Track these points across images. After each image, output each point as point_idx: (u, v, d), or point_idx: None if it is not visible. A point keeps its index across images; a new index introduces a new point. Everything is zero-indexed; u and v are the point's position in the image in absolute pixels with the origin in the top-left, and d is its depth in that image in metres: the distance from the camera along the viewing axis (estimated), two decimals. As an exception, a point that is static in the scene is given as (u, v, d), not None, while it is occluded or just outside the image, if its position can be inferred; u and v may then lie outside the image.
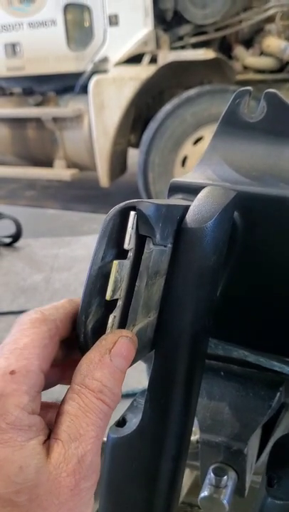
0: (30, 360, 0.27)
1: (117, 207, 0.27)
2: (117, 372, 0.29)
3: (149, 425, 0.32)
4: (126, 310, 0.29)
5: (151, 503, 0.33)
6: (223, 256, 0.33)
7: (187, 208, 0.31)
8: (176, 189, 0.38)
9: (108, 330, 0.29)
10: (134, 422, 0.35)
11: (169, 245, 0.30)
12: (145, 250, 0.28)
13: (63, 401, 0.29)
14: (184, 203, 0.32)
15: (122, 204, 0.28)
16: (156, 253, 0.29)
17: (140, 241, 0.28)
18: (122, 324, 0.29)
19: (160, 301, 0.31)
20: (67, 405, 0.28)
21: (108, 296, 0.28)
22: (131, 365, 0.30)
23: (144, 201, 0.28)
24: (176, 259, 0.30)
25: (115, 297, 0.28)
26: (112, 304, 0.29)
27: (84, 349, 0.29)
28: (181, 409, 0.32)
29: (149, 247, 0.28)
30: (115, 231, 0.28)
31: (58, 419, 0.28)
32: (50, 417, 0.31)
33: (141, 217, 0.27)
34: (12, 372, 0.26)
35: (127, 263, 0.28)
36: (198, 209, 0.31)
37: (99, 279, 0.28)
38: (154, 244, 0.28)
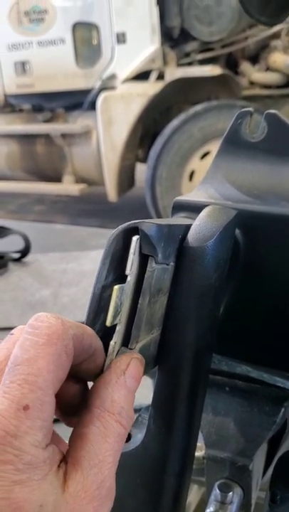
0: (45, 389, 0.25)
1: (120, 227, 0.28)
2: (131, 394, 0.29)
3: (153, 441, 0.33)
4: (129, 327, 0.29)
5: (156, 519, 0.33)
6: (225, 274, 0.34)
7: (189, 226, 0.32)
8: (179, 207, 0.38)
9: (109, 357, 0.29)
10: (138, 437, 0.35)
11: (172, 264, 0.31)
12: (148, 269, 0.29)
13: (81, 424, 0.28)
14: (186, 221, 0.33)
15: (124, 225, 0.28)
16: (159, 271, 0.30)
17: (143, 260, 0.29)
18: (125, 342, 0.30)
19: (163, 319, 0.32)
20: (86, 429, 0.27)
21: (109, 322, 0.28)
22: None
23: (147, 221, 0.28)
24: (178, 277, 0.31)
25: (115, 322, 0.28)
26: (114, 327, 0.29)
27: None
28: (185, 425, 0.32)
29: (152, 265, 0.29)
30: (118, 250, 0.28)
31: (76, 443, 0.27)
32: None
33: (143, 237, 0.28)
34: (26, 408, 0.25)
35: (127, 287, 0.29)
36: (200, 228, 0.32)
37: (103, 297, 0.28)
38: (156, 263, 0.29)
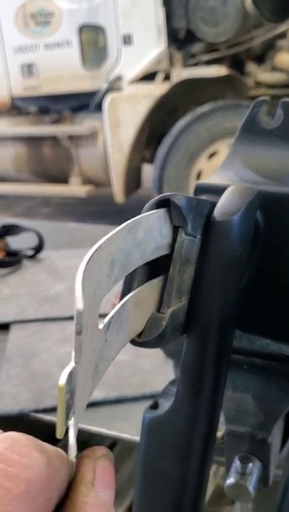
0: None
1: (152, 200, 0.31)
2: (110, 510, 0.20)
3: (182, 405, 0.35)
4: (161, 294, 0.32)
5: (184, 479, 0.35)
6: (248, 249, 0.36)
7: (214, 204, 0.34)
8: (201, 190, 0.40)
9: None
10: (166, 405, 0.37)
11: (198, 237, 0.33)
12: (178, 239, 0.31)
13: None
14: (211, 200, 0.35)
15: (157, 197, 0.31)
16: (188, 242, 0.32)
17: (173, 231, 0.31)
18: (158, 306, 0.32)
19: (190, 288, 0.34)
20: None
21: (59, 433, 0.20)
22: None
23: (178, 194, 0.31)
24: (205, 249, 0.33)
25: (69, 422, 0.20)
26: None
27: None
28: (212, 388, 0.34)
29: (182, 236, 0.31)
30: None
31: None
32: None
33: (174, 208, 0.30)
34: None
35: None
36: (225, 204, 0.34)
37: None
38: (185, 234, 0.31)
